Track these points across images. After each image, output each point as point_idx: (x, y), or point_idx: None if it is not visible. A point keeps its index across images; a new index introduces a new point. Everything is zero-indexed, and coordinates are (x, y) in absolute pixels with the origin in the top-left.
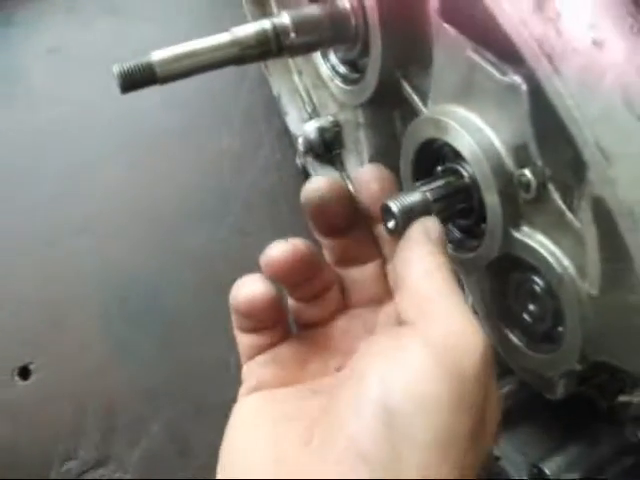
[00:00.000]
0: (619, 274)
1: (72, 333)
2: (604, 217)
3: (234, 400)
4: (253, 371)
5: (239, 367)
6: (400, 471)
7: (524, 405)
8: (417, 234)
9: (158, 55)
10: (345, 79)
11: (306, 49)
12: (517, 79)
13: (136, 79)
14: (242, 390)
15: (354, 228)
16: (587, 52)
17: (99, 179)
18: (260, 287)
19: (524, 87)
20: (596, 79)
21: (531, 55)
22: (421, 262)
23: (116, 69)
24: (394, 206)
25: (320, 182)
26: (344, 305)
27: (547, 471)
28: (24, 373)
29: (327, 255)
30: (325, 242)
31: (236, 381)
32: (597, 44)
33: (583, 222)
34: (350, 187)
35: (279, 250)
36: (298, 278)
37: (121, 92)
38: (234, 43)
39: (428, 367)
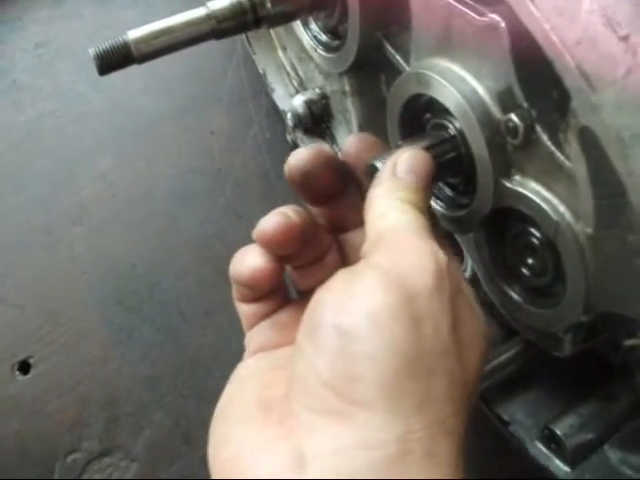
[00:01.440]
0: (615, 210)
1: (70, 324)
2: (593, 148)
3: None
4: (253, 337)
5: (240, 351)
6: (361, 391)
7: (532, 366)
8: (383, 171)
9: (134, 34)
10: (327, 47)
11: (284, 19)
12: (495, 17)
13: (113, 60)
14: (244, 356)
15: (344, 194)
16: None
17: (93, 169)
18: (259, 260)
19: (502, 25)
20: (573, 3)
21: None
22: (377, 203)
23: (92, 51)
24: (381, 165)
25: (301, 154)
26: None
27: (558, 432)
28: (24, 367)
29: (321, 222)
30: (316, 210)
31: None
32: None
33: (572, 157)
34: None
35: (271, 223)
36: (293, 248)
37: (99, 74)
38: (210, 17)
39: (378, 287)
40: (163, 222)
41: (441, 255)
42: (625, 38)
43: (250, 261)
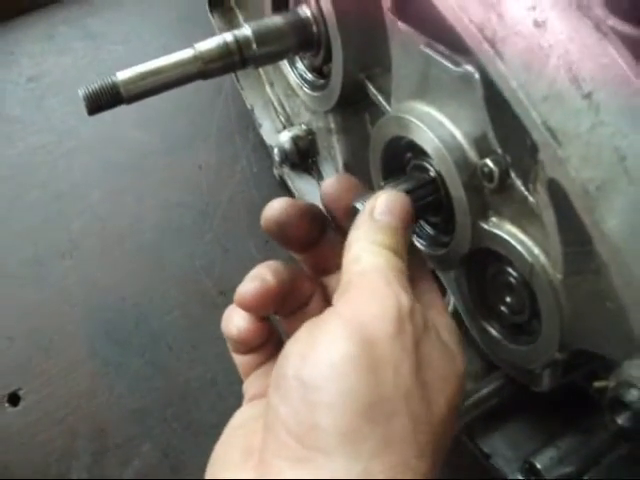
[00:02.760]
0: (583, 257)
1: (60, 357)
2: (560, 199)
3: (223, 416)
4: (251, 385)
5: (227, 383)
6: (321, 438)
7: (513, 400)
8: (361, 214)
9: (122, 75)
10: (313, 86)
11: (270, 59)
12: (469, 69)
13: (102, 100)
14: (243, 403)
15: (324, 238)
16: (529, 34)
17: (82, 202)
18: (243, 321)
19: (476, 76)
20: (540, 60)
21: (472, 41)
22: (354, 246)
23: (81, 92)
24: (361, 207)
25: (275, 206)
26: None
27: (539, 465)
28: (13, 399)
29: (305, 266)
30: (298, 256)
31: (224, 397)
32: (539, 25)
33: (540, 205)
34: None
35: (248, 290)
36: (273, 309)
37: (88, 114)
38: (197, 58)
39: (338, 337)
40: (151, 256)
41: (404, 299)
42: (589, 95)
43: (236, 322)
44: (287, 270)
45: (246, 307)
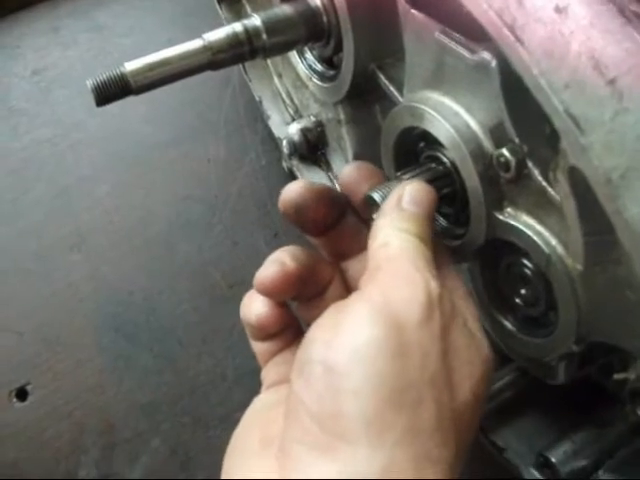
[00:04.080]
0: (603, 247)
1: (68, 351)
2: (582, 188)
3: (232, 410)
4: (268, 373)
5: (236, 377)
6: (345, 426)
7: (527, 392)
8: (387, 203)
9: (131, 66)
10: (322, 77)
11: (280, 49)
12: (486, 56)
13: (110, 91)
14: (261, 390)
15: (342, 222)
16: (550, 20)
17: (90, 196)
18: (263, 307)
19: (493, 63)
20: (562, 46)
21: (492, 27)
22: (381, 232)
23: (90, 83)
24: (377, 196)
25: (293, 189)
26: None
27: (553, 459)
28: (22, 394)
29: (323, 252)
30: (316, 241)
31: (233, 391)
32: (560, 11)
33: (561, 195)
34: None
35: (268, 274)
36: (292, 293)
37: (97, 105)
38: (206, 48)
39: (364, 321)
40: (160, 249)
41: (433, 285)
42: (612, 81)
43: (255, 308)
44: (306, 255)
45: (265, 292)
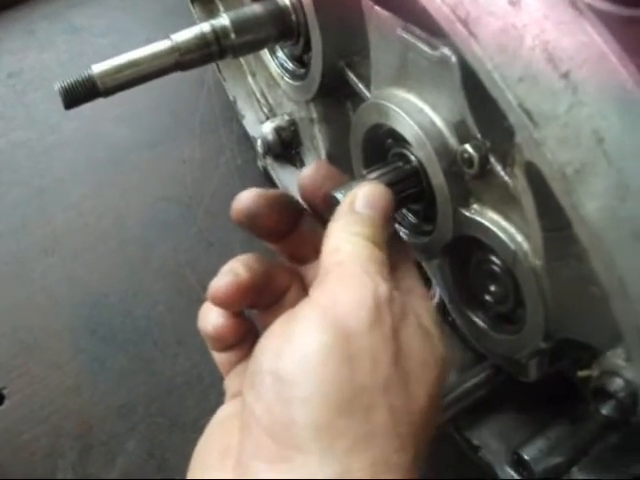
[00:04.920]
0: (563, 242)
1: (44, 355)
2: (539, 183)
3: (208, 411)
4: (231, 382)
5: (212, 379)
6: (296, 435)
7: (501, 391)
8: (341, 206)
9: (98, 68)
10: (293, 75)
11: (249, 49)
12: (446, 51)
13: (78, 94)
14: (225, 400)
15: (299, 227)
16: (504, 13)
17: (65, 198)
18: (219, 318)
19: (454, 59)
20: (515, 40)
21: (445, 22)
22: (334, 236)
23: (58, 86)
24: (340, 196)
25: (244, 198)
26: None
27: (526, 457)
28: None
29: (281, 257)
30: (273, 247)
31: (209, 393)
32: (513, 3)
33: (519, 190)
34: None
35: (221, 285)
36: (246, 303)
37: (65, 108)
38: (174, 49)
39: (312, 329)
40: (135, 251)
41: (382, 287)
42: (566, 74)
43: (212, 319)
44: (261, 262)
45: (219, 303)
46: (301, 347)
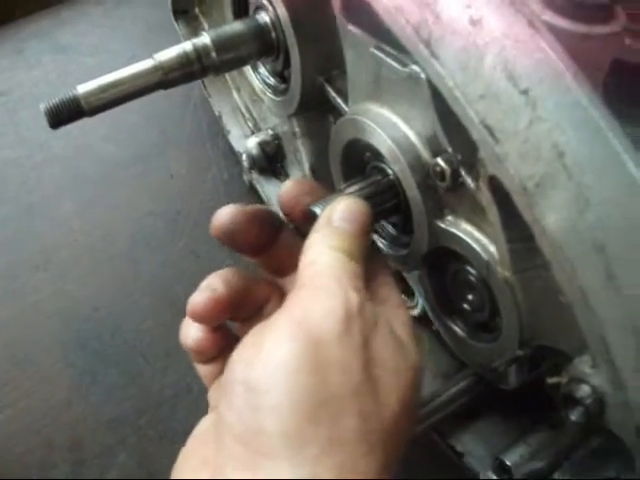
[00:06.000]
0: (529, 253)
1: (35, 369)
2: (502, 196)
3: (197, 423)
4: (214, 393)
5: (201, 390)
6: (265, 442)
7: (484, 398)
8: (319, 220)
9: (83, 88)
10: (275, 90)
11: (231, 66)
12: (416, 69)
13: (63, 114)
14: (208, 411)
15: (278, 240)
16: (466, 32)
17: (54, 215)
18: (198, 332)
19: (423, 75)
20: (476, 58)
21: (408, 43)
22: (311, 250)
23: (43, 106)
24: (318, 210)
25: (222, 215)
26: None
27: (508, 462)
28: None
29: (262, 269)
30: (253, 260)
31: (199, 404)
32: (474, 23)
33: (484, 203)
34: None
35: (199, 301)
36: (225, 317)
37: (51, 128)
38: (157, 68)
39: (284, 338)
40: (124, 265)
41: (353, 297)
42: (525, 91)
43: (192, 333)
44: (239, 277)
45: (198, 318)
46: (272, 356)
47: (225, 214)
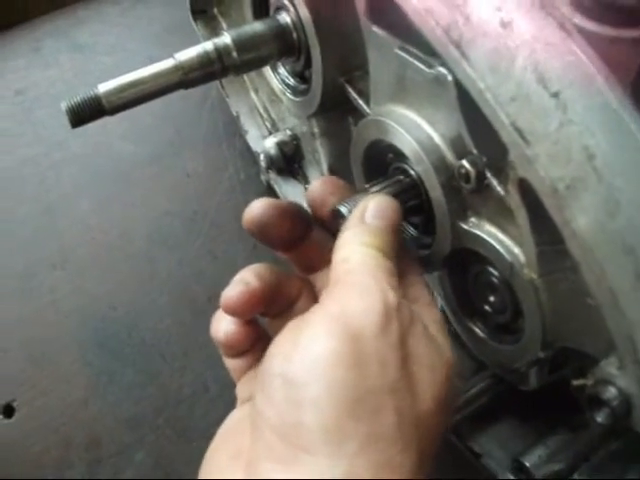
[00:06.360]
0: (557, 256)
1: (53, 368)
2: (532, 198)
3: (215, 422)
4: (241, 388)
5: (219, 389)
6: (304, 436)
7: (503, 399)
8: (351, 217)
9: (104, 87)
10: (295, 91)
11: (251, 66)
12: (442, 70)
13: (85, 113)
14: (236, 405)
15: (309, 236)
16: (496, 35)
17: (72, 214)
18: (231, 325)
19: (449, 77)
20: (507, 60)
21: (438, 44)
22: (344, 246)
23: (64, 105)
24: (344, 210)
25: (255, 208)
26: None
27: (527, 464)
28: (8, 411)
29: (293, 265)
30: (285, 256)
31: (216, 403)
32: (505, 25)
33: (513, 205)
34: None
35: (233, 294)
36: (258, 311)
37: (72, 127)
38: (177, 68)
39: (322, 333)
40: (141, 264)
41: (391, 295)
42: (556, 94)
43: (223, 327)
44: (271, 272)
45: (231, 311)
46: (311, 351)
47: (257, 207)
